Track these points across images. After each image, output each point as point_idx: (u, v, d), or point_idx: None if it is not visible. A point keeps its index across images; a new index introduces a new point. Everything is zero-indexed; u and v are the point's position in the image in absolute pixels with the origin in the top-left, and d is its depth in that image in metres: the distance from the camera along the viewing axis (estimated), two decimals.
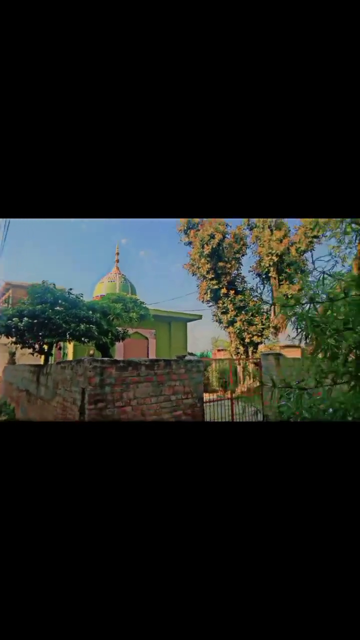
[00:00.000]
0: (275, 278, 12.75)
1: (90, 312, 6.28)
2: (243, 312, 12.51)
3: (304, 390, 1.81)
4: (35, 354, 6.91)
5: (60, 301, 5.98)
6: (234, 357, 12.15)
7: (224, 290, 12.43)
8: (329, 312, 1.74)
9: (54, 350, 8.24)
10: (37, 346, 6.59)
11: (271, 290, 13.15)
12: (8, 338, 6.15)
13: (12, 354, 10.92)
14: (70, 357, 11.23)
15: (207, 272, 12.40)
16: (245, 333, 12.39)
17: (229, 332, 12.98)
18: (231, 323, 12.62)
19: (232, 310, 12.42)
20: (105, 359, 3.77)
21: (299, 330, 1.84)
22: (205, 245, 12.03)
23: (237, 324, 12.40)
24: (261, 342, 12.74)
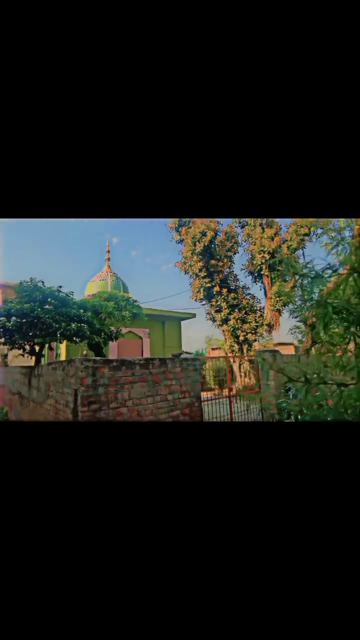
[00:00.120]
0: (267, 276, 12.72)
1: (82, 311, 6.09)
2: (236, 310, 12.45)
3: (343, 385, 1.72)
4: (26, 355, 6.68)
5: (49, 299, 5.77)
6: (229, 354, 12.08)
7: (216, 289, 12.34)
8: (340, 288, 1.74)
9: (45, 351, 8.02)
10: (27, 347, 6.37)
11: (264, 288, 13.12)
12: None
13: (4, 356, 10.63)
14: (63, 358, 11.00)
15: (200, 270, 12.28)
16: (239, 331, 12.33)
17: (223, 331, 12.90)
18: (225, 321, 12.55)
19: (225, 309, 12.35)
20: (98, 358, 3.61)
21: (305, 308, 1.80)
22: (197, 243, 11.91)
23: (231, 322, 12.33)
24: (255, 340, 12.70)
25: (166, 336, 14.41)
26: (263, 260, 12.28)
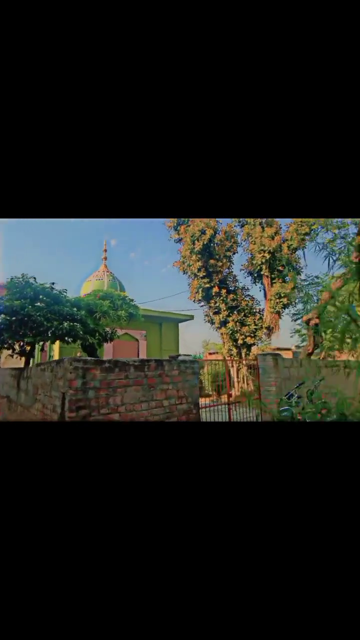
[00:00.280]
0: (267, 276, 12.47)
1: (75, 309, 5.79)
2: (235, 311, 12.18)
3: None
4: (15, 356, 6.36)
5: (41, 296, 5.47)
6: (227, 358, 11.79)
7: (215, 289, 12.07)
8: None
9: (36, 352, 7.70)
10: (16, 347, 6.06)
11: (264, 289, 12.87)
12: None
13: None
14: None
15: (198, 270, 12.01)
16: (238, 334, 12.06)
17: (222, 333, 12.63)
18: (224, 323, 12.27)
19: (224, 310, 12.07)
20: (89, 358, 3.31)
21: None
22: (196, 242, 11.64)
23: (230, 325, 12.05)
24: (254, 344, 12.42)
25: (163, 338, 14.10)
26: (263, 260, 12.04)
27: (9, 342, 5.74)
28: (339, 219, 7.46)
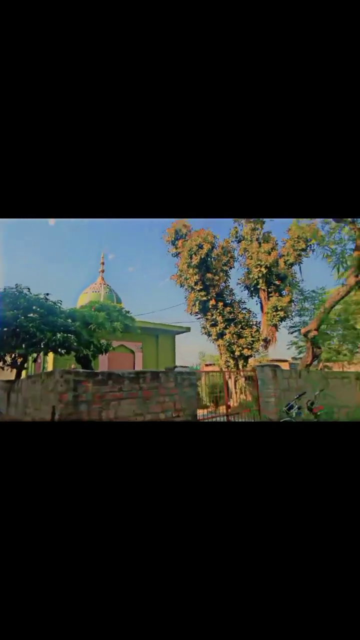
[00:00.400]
0: (264, 290, 12.47)
1: (69, 321, 5.67)
2: (232, 324, 12.11)
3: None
4: (7, 368, 6.18)
5: (34, 307, 5.35)
6: (224, 370, 11.62)
7: (212, 302, 12.03)
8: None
9: (29, 364, 7.52)
10: (7, 358, 5.89)
11: (260, 302, 12.85)
12: None
13: None
14: None
15: (195, 284, 12.00)
16: (235, 346, 11.95)
17: (219, 345, 12.51)
18: (220, 335, 12.18)
19: (221, 323, 12.00)
20: (81, 370, 3.18)
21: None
22: (193, 256, 11.68)
23: (227, 337, 11.96)
24: (251, 355, 12.30)
25: (160, 350, 13.93)
26: (260, 274, 12.06)
27: (0, 353, 5.58)
28: (337, 236, 7.52)
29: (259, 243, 12.60)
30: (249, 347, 11.94)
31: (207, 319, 12.36)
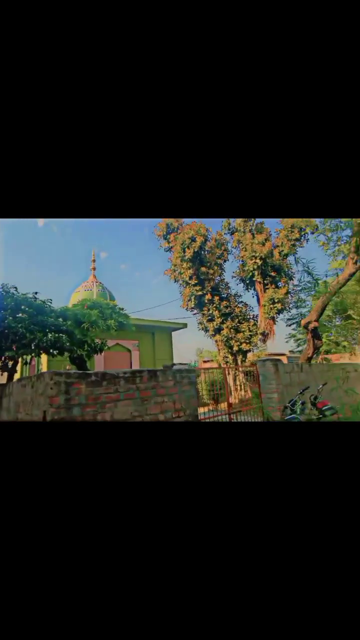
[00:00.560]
0: (260, 282, 12.29)
1: (60, 320, 5.41)
2: (229, 318, 11.93)
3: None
4: None
5: (23, 307, 5.09)
6: (223, 366, 11.45)
7: (208, 297, 11.82)
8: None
9: (20, 366, 7.24)
10: None
11: (256, 295, 12.68)
12: None
13: None
14: None
15: (190, 278, 11.77)
16: (233, 341, 11.77)
17: (216, 341, 12.33)
18: (218, 331, 11.99)
19: (218, 317, 11.80)
20: (72, 371, 2.94)
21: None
22: (186, 249, 11.43)
23: (224, 332, 11.77)
24: (250, 350, 12.14)
25: (157, 348, 13.70)
26: (255, 266, 11.86)
27: None
28: (332, 222, 7.36)
29: (253, 234, 12.40)
30: (247, 341, 11.78)
31: (203, 314, 12.16)
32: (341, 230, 6.85)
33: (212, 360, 19.22)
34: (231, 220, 12.95)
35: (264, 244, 11.96)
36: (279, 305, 11.74)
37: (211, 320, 11.99)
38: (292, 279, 12.33)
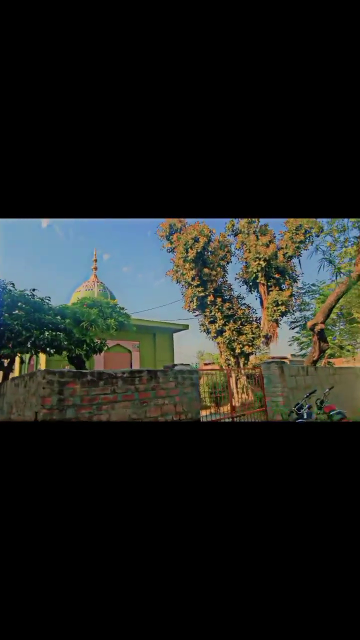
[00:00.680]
0: (263, 284, 12.09)
1: (59, 318, 5.24)
2: (232, 320, 11.73)
3: None
4: None
5: (20, 304, 4.92)
6: (225, 368, 11.23)
7: (210, 298, 11.63)
8: None
9: (18, 366, 7.08)
10: None
11: (260, 297, 12.48)
12: None
13: None
14: None
15: (192, 279, 11.58)
16: (235, 343, 11.56)
17: (218, 343, 12.12)
18: (220, 333, 11.78)
19: (220, 319, 11.60)
20: (66, 370, 2.75)
21: None
22: (189, 250, 11.26)
23: (227, 334, 11.56)
24: (252, 353, 11.92)
25: (157, 349, 13.49)
26: (259, 268, 11.68)
27: None
28: (339, 223, 7.18)
29: (257, 236, 12.24)
30: (250, 344, 11.56)
31: (205, 315, 11.97)
32: (348, 230, 6.67)
33: (213, 363, 18.99)
34: (235, 221, 12.79)
35: (268, 246, 11.78)
36: (282, 308, 11.53)
37: (213, 322, 11.80)
38: (297, 282, 12.14)
